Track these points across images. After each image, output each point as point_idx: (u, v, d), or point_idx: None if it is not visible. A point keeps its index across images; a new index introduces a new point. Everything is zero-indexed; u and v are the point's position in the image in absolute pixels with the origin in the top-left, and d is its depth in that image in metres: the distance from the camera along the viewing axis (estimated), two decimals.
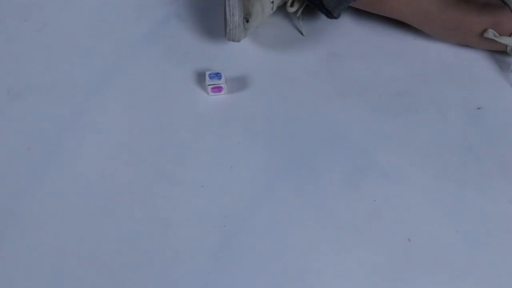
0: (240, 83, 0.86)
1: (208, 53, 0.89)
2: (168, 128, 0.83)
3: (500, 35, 0.84)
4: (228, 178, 0.79)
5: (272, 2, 0.87)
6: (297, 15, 0.90)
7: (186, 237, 0.74)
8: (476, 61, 0.88)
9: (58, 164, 0.80)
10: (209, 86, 0.84)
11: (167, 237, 0.74)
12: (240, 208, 0.76)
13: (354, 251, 0.74)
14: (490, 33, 0.84)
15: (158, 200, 0.77)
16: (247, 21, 0.84)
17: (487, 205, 0.77)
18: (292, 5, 0.89)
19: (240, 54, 0.89)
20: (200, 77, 0.87)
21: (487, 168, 0.80)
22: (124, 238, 0.74)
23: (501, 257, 0.73)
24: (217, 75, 0.84)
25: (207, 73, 0.84)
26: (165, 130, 0.82)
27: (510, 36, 0.84)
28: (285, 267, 0.73)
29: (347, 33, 0.91)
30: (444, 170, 0.80)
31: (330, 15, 0.85)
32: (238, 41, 0.86)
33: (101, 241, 0.74)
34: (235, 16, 0.83)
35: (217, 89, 0.84)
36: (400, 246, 0.74)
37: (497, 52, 0.88)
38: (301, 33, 0.91)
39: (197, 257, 0.73)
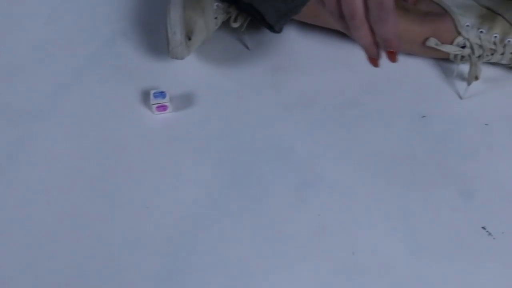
0: (186, 100, 0.86)
1: (154, 71, 0.89)
2: (114, 150, 0.82)
3: (442, 43, 0.84)
4: (173, 198, 0.79)
5: (216, 17, 0.87)
6: (242, 30, 0.90)
7: (131, 259, 0.74)
8: (421, 69, 0.89)
9: (2, 190, 0.79)
10: (153, 105, 0.84)
11: (112, 260, 0.74)
12: (185, 228, 0.76)
13: (300, 265, 0.74)
14: (432, 42, 0.84)
15: (103, 222, 0.77)
16: (189, 39, 0.84)
17: (431, 214, 0.77)
18: (235, 20, 0.89)
19: (186, 71, 0.89)
20: (146, 96, 0.86)
21: (432, 177, 0.80)
22: (71, 261, 0.74)
23: (445, 266, 0.74)
24: (162, 94, 0.84)
25: (152, 92, 0.84)
26: (111, 151, 0.82)
27: (451, 43, 0.84)
28: (232, 286, 0.73)
29: (293, 45, 0.91)
30: (389, 180, 0.80)
31: (273, 29, 0.85)
32: (182, 58, 0.86)
33: (46, 266, 0.74)
34: (176, 35, 0.83)
35: (162, 107, 0.84)
36: (345, 260, 0.74)
37: (442, 60, 0.89)
38: (247, 47, 0.91)
39: (142, 280, 0.73)
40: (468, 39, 0.83)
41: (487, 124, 0.84)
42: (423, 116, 0.85)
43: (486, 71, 0.86)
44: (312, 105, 0.86)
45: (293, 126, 0.84)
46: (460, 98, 0.86)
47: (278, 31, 0.85)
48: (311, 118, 0.85)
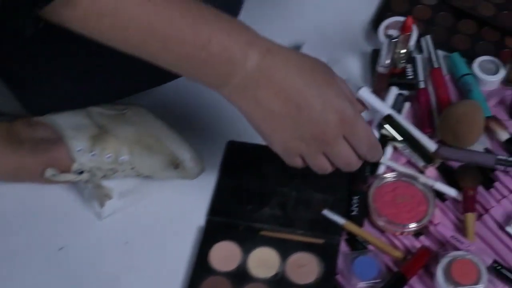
0: None
1: None
2: None
3: (63, 171, 0.80)
4: None
5: None
6: None
7: None
8: (57, 195, 0.83)
9: None
10: None
11: None
12: None
13: None
14: (49, 173, 0.80)
15: None
16: None
17: None
18: None
19: None
20: None
21: None
22: None
23: None
24: None
25: None
26: None
27: (70, 171, 0.80)
28: None
29: None
30: None
31: None
32: None
33: None
34: None
35: None
36: None
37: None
38: None
39: None
40: (83, 164, 0.80)
41: (127, 243, 0.81)
42: (61, 248, 0.81)
43: (122, 185, 0.83)
44: None
45: None
46: (99, 219, 0.83)
47: None
48: None
